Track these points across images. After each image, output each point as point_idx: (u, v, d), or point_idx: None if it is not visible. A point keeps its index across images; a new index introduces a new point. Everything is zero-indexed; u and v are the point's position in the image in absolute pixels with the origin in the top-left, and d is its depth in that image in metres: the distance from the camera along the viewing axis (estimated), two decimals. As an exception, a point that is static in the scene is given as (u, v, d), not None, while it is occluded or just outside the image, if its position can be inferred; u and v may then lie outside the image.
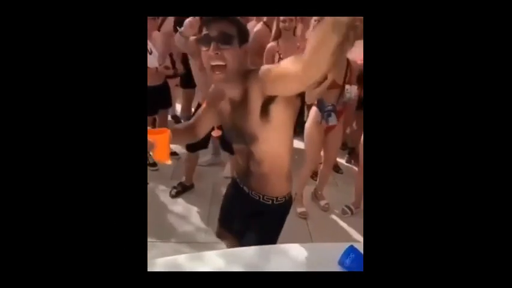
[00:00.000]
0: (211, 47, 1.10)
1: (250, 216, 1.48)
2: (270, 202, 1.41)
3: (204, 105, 1.44)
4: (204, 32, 1.12)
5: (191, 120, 1.46)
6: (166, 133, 1.24)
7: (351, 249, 1.20)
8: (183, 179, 3.08)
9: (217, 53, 1.09)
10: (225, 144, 2.77)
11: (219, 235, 1.77)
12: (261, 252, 1.29)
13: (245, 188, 1.44)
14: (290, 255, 1.29)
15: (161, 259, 1.30)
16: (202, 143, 2.84)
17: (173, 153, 3.40)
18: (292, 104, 1.21)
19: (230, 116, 1.29)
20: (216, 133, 2.00)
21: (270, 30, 3.09)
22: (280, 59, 2.73)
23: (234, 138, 1.35)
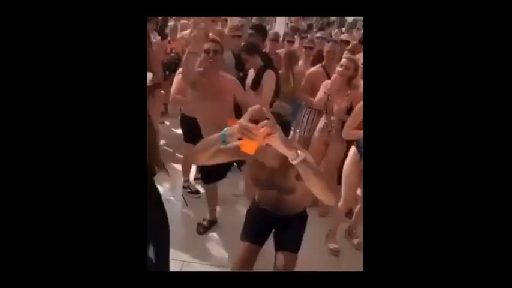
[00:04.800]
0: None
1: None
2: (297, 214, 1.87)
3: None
4: None
5: None
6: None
7: None
8: (208, 215, 2.97)
9: None
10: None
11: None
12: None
13: (269, 209, 1.89)
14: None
15: (203, 270, 1.30)
16: (219, 174, 2.78)
17: (195, 192, 3.38)
18: None
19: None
20: None
21: (326, 74, 3.17)
22: (327, 99, 2.85)
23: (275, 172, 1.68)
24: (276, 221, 1.89)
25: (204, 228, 2.89)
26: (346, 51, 3.42)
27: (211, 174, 2.74)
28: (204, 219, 2.93)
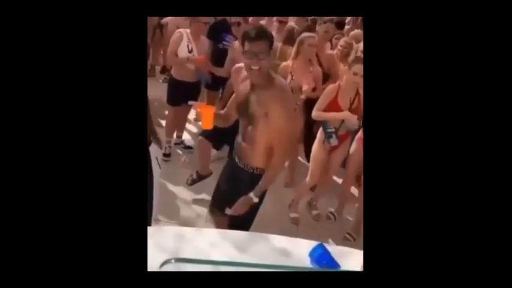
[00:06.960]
0: (254, 59, 1.70)
1: (235, 182, 2.04)
2: (252, 171, 1.96)
3: (233, 98, 2.05)
4: (248, 47, 1.70)
5: (226, 109, 2.09)
6: (212, 108, 1.97)
7: (320, 246, 1.39)
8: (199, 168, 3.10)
9: (256, 62, 1.73)
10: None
11: (211, 211, 2.26)
12: (249, 236, 1.55)
13: (236, 158, 2.02)
14: (271, 243, 1.49)
15: (169, 227, 1.55)
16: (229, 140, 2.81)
17: (188, 147, 3.66)
18: (285, 111, 1.85)
19: (248, 104, 1.91)
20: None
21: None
22: (292, 79, 2.96)
23: (244, 119, 1.97)
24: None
25: (193, 180, 3.09)
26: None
27: (221, 141, 2.88)
28: (195, 172, 3.12)
